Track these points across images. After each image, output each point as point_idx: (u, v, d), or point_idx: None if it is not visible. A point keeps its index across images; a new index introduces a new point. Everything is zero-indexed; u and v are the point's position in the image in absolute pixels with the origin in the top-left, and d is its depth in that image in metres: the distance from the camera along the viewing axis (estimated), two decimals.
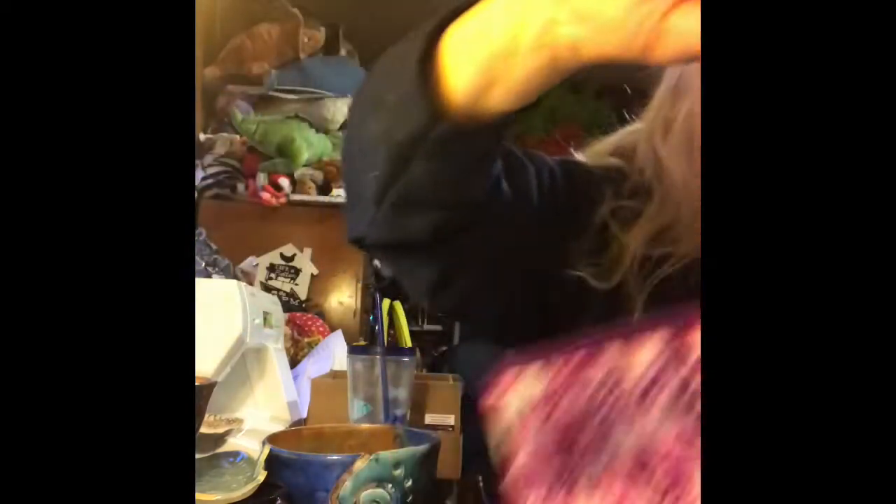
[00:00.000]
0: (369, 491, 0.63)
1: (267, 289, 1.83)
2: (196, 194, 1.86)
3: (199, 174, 1.88)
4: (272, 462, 0.70)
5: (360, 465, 0.64)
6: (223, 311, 0.96)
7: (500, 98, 0.42)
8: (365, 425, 0.86)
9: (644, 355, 0.40)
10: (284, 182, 1.88)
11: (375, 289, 2.27)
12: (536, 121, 2.99)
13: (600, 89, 2.95)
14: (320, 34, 2.08)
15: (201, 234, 1.60)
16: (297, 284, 1.89)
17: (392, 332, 2.06)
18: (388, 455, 0.64)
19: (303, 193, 1.90)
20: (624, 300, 0.53)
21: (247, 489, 0.68)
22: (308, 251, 1.92)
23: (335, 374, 1.11)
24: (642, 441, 0.39)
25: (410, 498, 0.66)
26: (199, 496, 0.67)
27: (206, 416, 0.80)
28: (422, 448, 0.67)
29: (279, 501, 0.67)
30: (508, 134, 0.49)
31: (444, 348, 2.63)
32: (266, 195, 1.85)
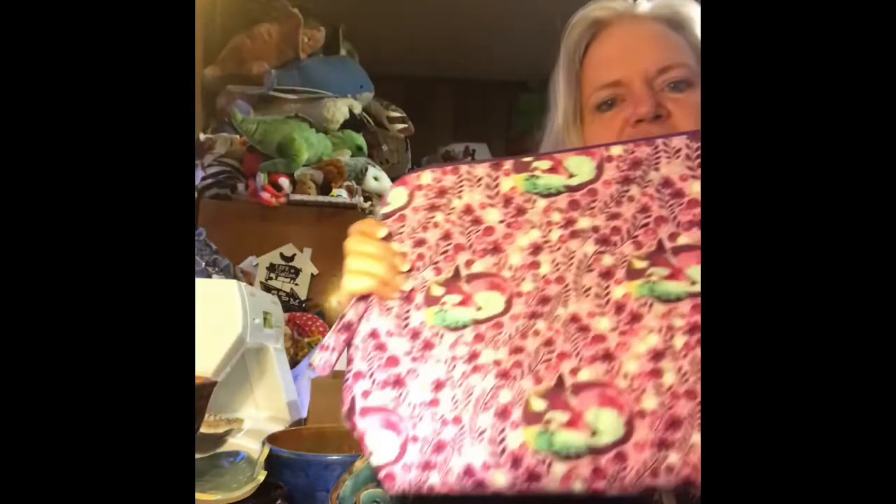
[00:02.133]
0: (369, 491, 0.63)
1: (267, 289, 1.83)
2: (196, 194, 1.86)
3: (199, 174, 1.88)
4: (272, 462, 0.70)
5: (360, 465, 0.64)
6: (223, 311, 0.96)
7: None
8: None
9: None
10: (284, 182, 1.87)
11: None
12: (532, 121, 2.98)
13: None
14: (320, 34, 2.08)
15: (201, 234, 1.60)
16: (297, 284, 1.89)
17: None
18: None
19: (303, 193, 1.89)
20: None
21: (247, 489, 0.68)
22: (308, 251, 1.92)
23: (335, 374, 1.11)
24: None
25: (410, 498, 0.66)
26: (199, 496, 0.67)
27: (206, 416, 0.80)
28: None
29: (279, 501, 0.67)
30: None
31: None
32: (266, 195, 1.85)
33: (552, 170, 0.58)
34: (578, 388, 0.51)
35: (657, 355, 0.50)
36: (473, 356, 0.55)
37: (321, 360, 0.59)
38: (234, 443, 0.91)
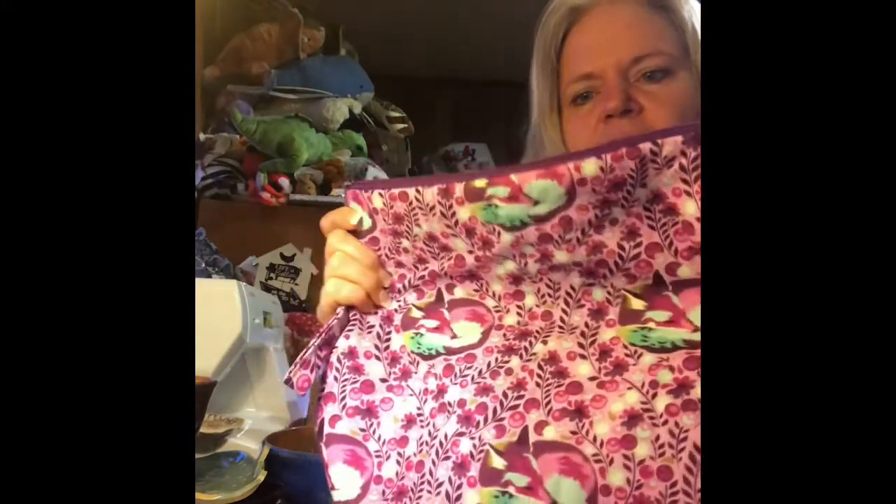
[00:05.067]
0: None
1: (267, 289, 1.83)
2: (196, 194, 1.86)
3: (199, 174, 1.87)
4: (272, 462, 0.70)
5: None
6: (223, 311, 0.96)
7: None
8: None
9: None
10: (284, 182, 1.87)
11: None
12: None
13: None
14: (320, 34, 2.08)
15: (201, 234, 1.60)
16: (297, 284, 1.89)
17: None
18: None
19: (303, 193, 1.89)
20: None
21: (247, 489, 0.68)
22: (308, 251, 1.92)
23: None
24: None
25: None
26: (199, 496, 0.67)
27: (206, 416, 0.80)
28: None
29: (279, 501, 0.67)
30: None
31: None
32: (266, 195, 1.85)
33: (512, 198, 0.46)
34: (541, 448, 0.43)
35: (632, 419, 0.42)
36: (441, 391, 0.49)
37: (300, 377, 0.53)
38: (234, 443, 0.91)
